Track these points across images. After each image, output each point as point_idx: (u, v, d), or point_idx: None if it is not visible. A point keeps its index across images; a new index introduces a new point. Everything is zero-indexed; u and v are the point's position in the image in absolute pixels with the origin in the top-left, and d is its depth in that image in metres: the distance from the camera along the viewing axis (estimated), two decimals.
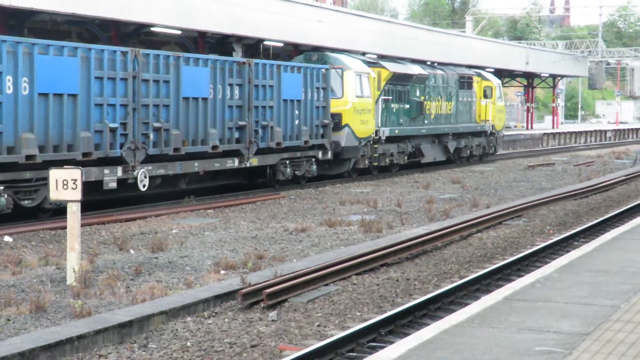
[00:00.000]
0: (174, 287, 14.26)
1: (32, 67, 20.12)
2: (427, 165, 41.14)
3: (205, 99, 25.55)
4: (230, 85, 26.67)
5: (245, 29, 34.54)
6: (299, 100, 30.00)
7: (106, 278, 14.47)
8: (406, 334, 11.23)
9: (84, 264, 14.85)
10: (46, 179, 17.72)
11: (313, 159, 31.28)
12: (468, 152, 45.60)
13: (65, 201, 14.38)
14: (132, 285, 14.32)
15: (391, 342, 10.76)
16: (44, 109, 20.52)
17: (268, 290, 13.45)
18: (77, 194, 14.12)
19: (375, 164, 36.03)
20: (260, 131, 27.98)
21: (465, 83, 44.79)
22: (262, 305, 13.34)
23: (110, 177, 22.48)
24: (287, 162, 29.79)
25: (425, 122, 40.45)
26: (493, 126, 47.67)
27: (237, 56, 34.61)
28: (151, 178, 23.78)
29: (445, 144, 42.65)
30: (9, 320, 12.07)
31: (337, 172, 34.01)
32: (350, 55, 35.69)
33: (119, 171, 22.67)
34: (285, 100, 29.22)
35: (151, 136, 23.61)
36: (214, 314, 13.09)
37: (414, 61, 43.35)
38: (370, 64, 35.74)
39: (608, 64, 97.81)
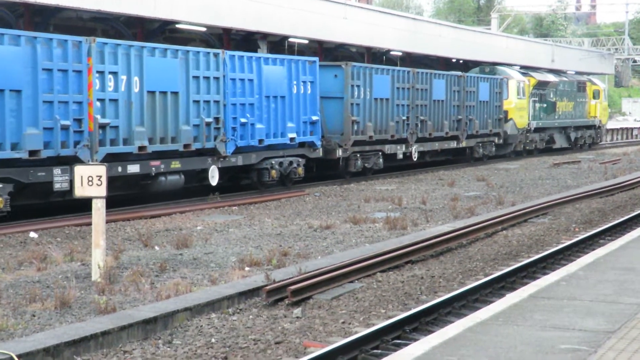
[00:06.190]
0: (199, 284, 14.28)
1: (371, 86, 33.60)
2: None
3: (442, 101, 39.09)
4: (454, 91, 40.28)
5: (270, 26, 34.55)
6: (486, 101, 43.68)
7: (131, 274, 14.51)
8: (431, 332, 11.19)
9: (108, 260, 14.90)
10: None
11: (493, 143, 45.25)
12: (583, 140, 58.77)
13: (90, 197, 14.36)
14: (156, 282, 14.35)
15: (416, 340, 10.72)
16: (375, 109, 33.94)
17: (292, 287, 13.45)
18: (102, 190, 14.11)
19: (527, 147, 49.73)
20: (468, 123, 41.39)
21: (581, 87, 57.78)
22: (287, 302, 13.34)
23: (400, 151, 35.87)
24: (480, 144, 43.81)
25: (556, 117, 53.96)
26: (600, 121, 60.76)
27: (263, 52, 34.77)
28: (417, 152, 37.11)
29: (568, 134, 56.34)
30: (34, 315, 12.13)
31: (503, 153, 47.41)
32: (511, 68, 50.03)
33: (403, 147, 36.04)
34: (480, 101, 42.90)
35: (419, 125, 36.72)
36: (238, 310, 13.11)
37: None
38: (523, 74, 49.80)
39: (634, 61, 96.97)
